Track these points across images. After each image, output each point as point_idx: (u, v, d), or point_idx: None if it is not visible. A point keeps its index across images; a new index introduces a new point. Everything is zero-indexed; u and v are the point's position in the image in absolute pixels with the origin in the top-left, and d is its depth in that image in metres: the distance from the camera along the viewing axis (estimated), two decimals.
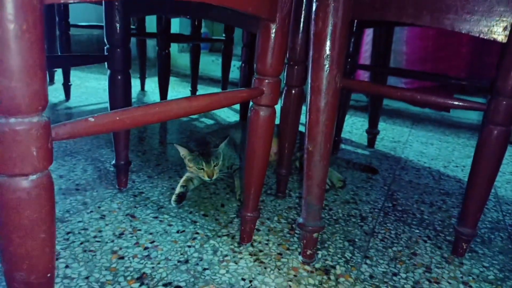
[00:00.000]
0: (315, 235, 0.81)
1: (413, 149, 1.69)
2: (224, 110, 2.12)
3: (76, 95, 2.08)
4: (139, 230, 0.89)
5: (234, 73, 2.64)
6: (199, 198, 1.08)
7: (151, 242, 0.85)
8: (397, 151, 1.63)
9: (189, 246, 0.84)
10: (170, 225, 0.92)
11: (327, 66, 0.71)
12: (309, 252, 0.82)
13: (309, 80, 0.74)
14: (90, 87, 2.34)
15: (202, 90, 2.46)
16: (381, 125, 1.99)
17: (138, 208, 0.99)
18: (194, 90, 2.17)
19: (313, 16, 0.71)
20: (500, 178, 1.41)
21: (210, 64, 2.92)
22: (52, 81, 2.31)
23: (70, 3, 0.36)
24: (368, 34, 2.06)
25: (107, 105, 1.00)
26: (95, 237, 0.85)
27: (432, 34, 2.00)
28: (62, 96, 2.02)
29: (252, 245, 0.87)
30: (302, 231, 0.82)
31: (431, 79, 1.43)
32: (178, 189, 1.06)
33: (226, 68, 2.19)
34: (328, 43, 0.70)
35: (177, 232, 0.90)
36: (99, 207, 0.98)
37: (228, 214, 1.00)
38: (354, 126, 1.97)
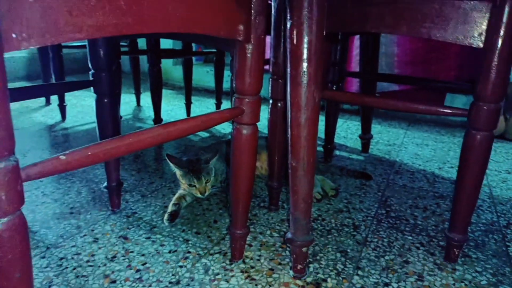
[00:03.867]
0: (304, 249, 0.81)
1: (408, 151, 1.69)
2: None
3: (72, 115, 2.10)
4: (132, 252, 0.90)
5: (228, 83, 2.65)
6: (191, 215, 1.09)
7: (143, 264, 0.85)
8: (391, 155, 1.63)
9: (181, 266, 0.85)
10: (162, 245, 0.93)
11: (304, 82, 0.72)
12: (299, 266, 0.82)
13: (288, 97, 0.75)
14: (85, 106, 2.36)
15: (197, 101, 2.47)
16: (376, 128, 2.00)
17: (131, 229, 1.00)
18: (188, 102, 2.18)
19: (288, 34, 0.72)
20: (495, 177, 1.40)
21: (205, 75, 2.94)
22: (48, 102, 2.34)
23: (33, 46, 0.37)
24: (358, 38, 2.07)
25: None
26: (87, 261, 0.86)
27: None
28: (58, 117, 2.04)
29: (243, 262, 0.87)
30: (291, 246, 0.82)
31: (420, 84, 1.43)
32: (170, 208, 1.07)
33: (219, 79, 2.20)
34: (304, 59, 0.71)
35: (169, 252, 0.90)
36: (92, 230, 0.98)
37: (221, 230, 1.01)
38: (349, 131, 1.97)
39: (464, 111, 0.81)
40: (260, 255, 0.90)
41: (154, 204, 1.14)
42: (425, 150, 1.72)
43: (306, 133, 0.75)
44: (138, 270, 0.83)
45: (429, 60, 1.98)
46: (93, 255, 0.88)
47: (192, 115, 2.20)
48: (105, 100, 0.98)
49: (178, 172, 1.11)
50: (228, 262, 0.87)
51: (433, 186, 1.33)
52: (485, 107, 0.76)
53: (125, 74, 2.97)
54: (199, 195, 1.10)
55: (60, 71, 1.94)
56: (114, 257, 0.88)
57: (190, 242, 0.95)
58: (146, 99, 2.55)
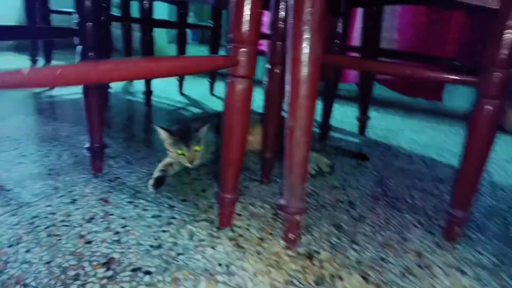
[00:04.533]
0: (297, 217, 0.76)
1: (405, 137, 1.64)
2: (213, 100, 2.06)
3: None
4: (111, 215, 0.83)
5: None
6: (179, 183, 1.03)
7: (123, 227, 0.79)
8: (388, 139, 1.58)
9: (164, 231, 0.79)
10: (145, 210, 0.87)
11: (307, 32, 0.66)
12: (291, 236, 0.77)
13: (288, 52, 0.69)
14: None
15: (191, 80, 2.39)
16: (373, 114, 1.94)
17: (113, 193, 0.93)
18: (181, 78, 2.11)
19: None
20: (494, 166, 1.36)
21: (200, 54, 2.85)
22: (34, 64, 2.24)
23: None
24: (360, 13, 2.01)
25: None
26: (62, 221, 0.79)
27: (422, 21, 1.96)
28: None
29: (232, 230, 0.81)
30: (284, 214, 0.76)
31: (423, 60, 1.38)
32: (156, 173, 1.01)
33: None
34: (308, 5, 0.64)
35: (152, 217, 0.84)
36: (70, 192, 0.92)
37: (209, 199, 0.95)
38: (345, 115, 1.92)
39: (474, 79, 0.75)
40: (249, 225, 0.84)
41: (140, 171, 1.08)
42: (422, 136, 1.67)
43: (305, 90, 0.69)
44: (117, 233, 0.77)
45: (429, 46, 1.93)
46: (68, 216, 0.82)
47: (185, 92, 2.13)
48: (90, 54, 0.91)
49: (167, 141, 1.05)
50: (215, 229, 0.81)
51: (432, 169, 1.28)
52: (497, 73, 0.70)
53: (117, 52, 2.87)
54: (187, 164, 1.04)
55: (48, 40, 1.85)
56: (92, 218, 0.81)
57: (175, 208, 0.89)
58: None
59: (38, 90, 1.90)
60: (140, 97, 1.97)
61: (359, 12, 1.88)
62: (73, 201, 0.88)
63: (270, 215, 0.89)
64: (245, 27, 0.67)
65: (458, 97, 2.26)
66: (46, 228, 0.77)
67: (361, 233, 0.85)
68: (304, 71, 0.67)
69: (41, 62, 2.12)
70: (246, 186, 1.04)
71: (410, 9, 1.99)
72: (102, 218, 0.82)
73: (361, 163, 1.28)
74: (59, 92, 1.89)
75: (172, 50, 2.98)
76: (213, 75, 2.16)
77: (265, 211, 0.91)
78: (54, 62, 1.90)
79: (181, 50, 2.06)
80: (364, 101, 1.54)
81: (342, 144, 1.47)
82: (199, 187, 1.01)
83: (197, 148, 1.04)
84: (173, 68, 0.53)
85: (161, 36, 3.03)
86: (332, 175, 1.15)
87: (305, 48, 0.66)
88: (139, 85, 2.24)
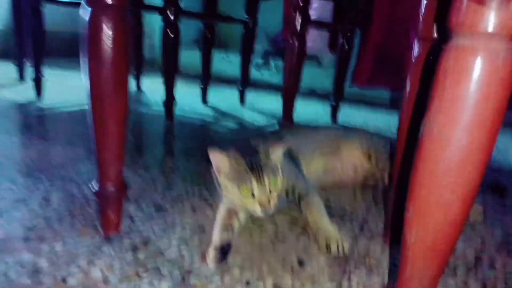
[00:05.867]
0: None
1: None
2: (246, 112, 1.63)
3: (52, 94, 1.58)
4: None
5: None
6: (251, 248, 0.59)
7: None
8: None
9: None
10: None
11: None
12: None
13: None
14: (71, 87, 1.84)
15: (214, 91, 1.96)
16: None
17: (144, 279, 0.49)
18: (205, 85, 1.69)
19: None
20: None
21: (220, 62, 2.44)
22: (22, 77, 1.81)
23: None
24: None
25: None
26: None
27: None
28: (32, 95, 1.51)
29: None
30: None
31: None
32: (217, 236, 0.57)
33: (246, 63, 1.71)
34: None
35: None
36: (64, 280, 0.48)
37: (324, 285, 0.51)
38: None
39: None
40: None
41: (180, 223, 0.64)
42: None
43: None
44: None
45: None
46: None
47: (209, 102, 1.71)
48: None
49: (226, 174, 0.62)
50: None
51: None
52: None
53: None
54: (258, 211, 0.60)
55: (39, 35, 1.43)
56: None
57: None
58: (147, 83, 2.05)
59: (23, 100, 1.46)
60: (156, 110, 1.54)
61: None
62: None
63: None
64: None
65: None
66: None
67: None
68: None
69: (29, 70, 1.69)
70: (367, 248, 0.60)
71: None
72: None
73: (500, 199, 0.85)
74: (50, 103, 1.46)
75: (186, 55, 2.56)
76: (244, 82, 1.74)
77: None
78: (47, 72, 1.48)
79: (207, 56, 1.64)
80: None
81: None
82: (288, 254, 0.58)
83: (274, 183, 0.62)
84: None
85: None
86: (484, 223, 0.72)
87: None
88: (150, 95, 1.81)
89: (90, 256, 0.53)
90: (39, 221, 0.62)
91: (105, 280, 0.49)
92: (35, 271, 0.49)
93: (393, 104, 1.99)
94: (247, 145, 0.69)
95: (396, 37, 1.83)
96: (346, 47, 1.54)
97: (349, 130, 0.90)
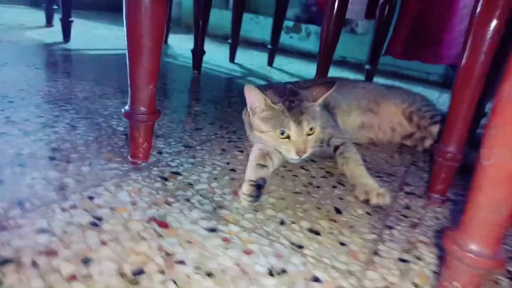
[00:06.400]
0: None
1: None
2: (274, 72, 1.58)
3: (79, 39, 1.55)
4: (177, 262, 0.37)
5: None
6: (285, 192, 0.55)
7: None
8: None
9: None
10: (248, 253, 0.40)
11: None
12: None
13: None
14: (98, 35, 1.81)
15: (242, 52, 1.89)
16: None
17: (172, 206, 0.46)
18: (233, 46, 1.63)
19: None
20: None
21: (249, 23, 2.36)
22: (50, 23, 1.78)
23: None
24: None
25: (121, 51, 0.47)
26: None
27: None
28: (59, 38, 1.49)
29: None
30: None
31: None
32: (250, 172, 0.54)
33: (277, 26, 1.64)
34: None
35: (268, 273, 0.37)
36: (89, 198, 0.45)
37: (363, 235, 0.47)
38: None
39: None
40: None
41: (210, 162, 0.61)
42: None
43: None
44: None
45: None
46: (86, 262, 0.35)
47: (237, 62, 1.65)
48: None
49: (264, 112, 0.58)
50: None
51: None
52: None
53: None
54: (293, 156, 0.56)
55: None
56: (140, 271, 0.35)
57: (304, 251, 0.41)
58: (174, 39, 2.00)
59: (49, 41, 1.44)
60: (182, 61, 1.49)
61: None
62: (95, 224, 0.41)
63: None
64: None
65: None
66: None
67: None
68: None
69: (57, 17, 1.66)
70: (408, 205, 0.56)
71: None
72: (155, 270, 0.35)
73: None
74: (77, 46, 1.43)
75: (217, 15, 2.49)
76: (274, 46, 1.67)
77: None
78: (75, 21, 1.44)
79: (237, 17, 1.57)
80: None
81: None
82: (324, 201, 0.54)
83: (312, 128, 0.57)
84: None
85: None
86: None
87: None
88: (176, 49, 1.76)
89: (118, 180, 0.51)
90: (65, 144, 0.59)
91: (133, 203, 0.46)
92: (61, 188, 0.47)
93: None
94: (286, 88, 0.64)
95: (434, 8, 1.73)
96: (386, 13, 1.45)
97: (391, 88, 0.85)
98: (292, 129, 0.56)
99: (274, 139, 0.58)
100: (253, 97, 0.58)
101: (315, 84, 0.64)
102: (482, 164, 0.29)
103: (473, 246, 0.31)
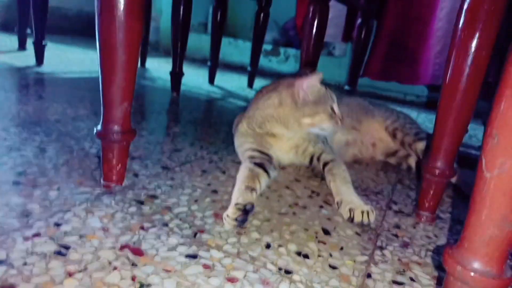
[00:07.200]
0: None
1: None
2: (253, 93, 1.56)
3: (53, 63, 1.51)
4: None
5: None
6: (270, 213, 0.52)
7: None
8: None
9: None
10: (232, 281, 0.36)
11: None
12: None
13: None
14: (73, 58, 1.77)
15: (221, 75, 1.88)
16: None
17: (148, 233, 0.43)
18: (213, 68, 1.62)
19: None
20: None
21: (227, 47, 2.37)
22: (23, 47, 1.73)
23: None
24: None
25: (96, 75, 0.45)
26: None
27: None
28: (32, 61, 1.44)
29: None
30: None
31: None
32: (239, 195, 0.50)
33: (257, 49, 1.64)
34: None
35: None
36: (55, 225, 0.41)
37: (354, 257, 0.44)
38: None
39: None
40: None
41: (189, 184, 0.58)
42: None
43: None
44: None
45: None
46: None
47: (217, 84, 1.63)
48: None
49: (320, 91, 0.64)
50: None
51: None
52: None
53: None
54: (339, 124, 0.65)
55: (43, 15, 1.36)
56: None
57: (294, 279, 0.38)
58: (152, 62, 1.98)
59: (21, 64, 1.39)
60: (160, 84, 1.47)
61: None
62: (60, 253, 0.37)
63: None
64: None
65: None
66: None
67: None
68: None
69: (31, 41, 1.62)
70: (397, 224, 0.54)
71: None
72: None
73: None
74: (50, 69, 1.38)
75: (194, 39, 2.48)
76: (254, 68, 1.66)
77: None
78: (49, 45, 1.40)
79: (216, 40, 1.56)
80: None
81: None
82: (311, 222, 0.51)
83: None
84: None
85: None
86: None
87: None
88: (154, 72, 1.74)
89: (88, 205, 0.47)
90: (32, 168, 0.55)
91: (105, 229, 0.42)
92: (25, 215, 0.42)
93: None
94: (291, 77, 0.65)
95: (410, 30, 1.77)
96: (364, 35, 1.48)
97: (375, 105, 0.84)
98: (335, 102, 0.64)
99: (326, 119, 0.62)
100: (314, 82, 0.62)
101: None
102: (483, 176, 0.27)
103: (476, 265, 0.29)
